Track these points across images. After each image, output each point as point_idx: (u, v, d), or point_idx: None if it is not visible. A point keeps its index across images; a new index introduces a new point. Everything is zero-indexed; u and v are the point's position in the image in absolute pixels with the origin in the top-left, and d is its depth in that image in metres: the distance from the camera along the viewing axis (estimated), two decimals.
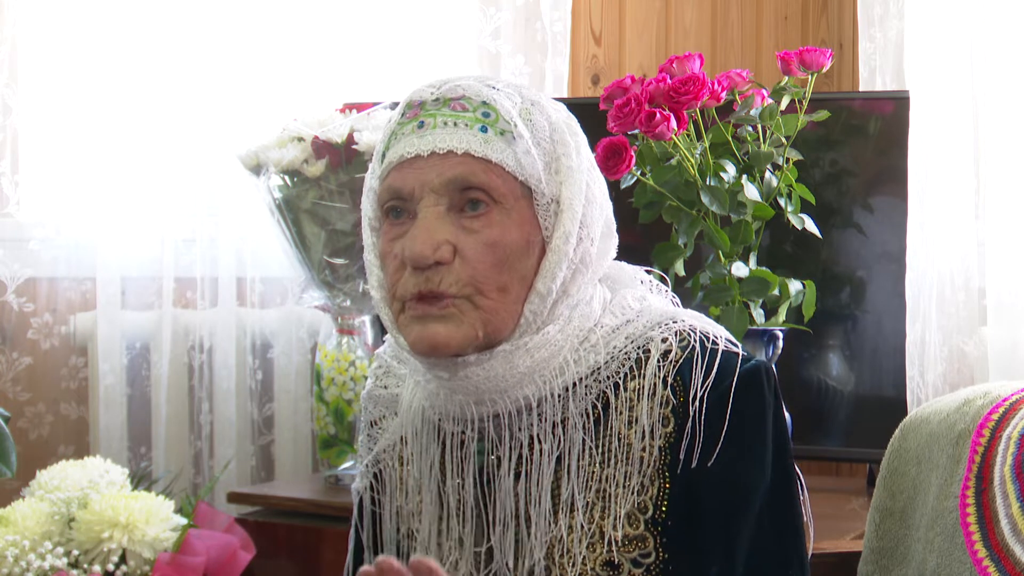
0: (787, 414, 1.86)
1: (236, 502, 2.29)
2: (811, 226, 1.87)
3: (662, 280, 1.38)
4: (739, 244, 1.80)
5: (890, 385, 2.21)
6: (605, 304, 1.29)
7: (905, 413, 1.93)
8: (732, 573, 1.22)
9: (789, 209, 1.85)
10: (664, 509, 1.23)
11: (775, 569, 1.25)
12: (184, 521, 2.04)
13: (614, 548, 1.23)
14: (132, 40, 2.47)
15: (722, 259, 1.80)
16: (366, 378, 2.22)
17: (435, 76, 1.28)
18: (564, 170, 1.24)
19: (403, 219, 1.23)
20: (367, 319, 2.26)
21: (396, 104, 1.29)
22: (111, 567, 1.94)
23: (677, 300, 1.37)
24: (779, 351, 1.82)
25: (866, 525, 1.50)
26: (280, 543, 2.18)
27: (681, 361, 1.24)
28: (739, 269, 1.80)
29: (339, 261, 2.18)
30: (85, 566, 1.94)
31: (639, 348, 1.26)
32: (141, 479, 2.24)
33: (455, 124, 1.22)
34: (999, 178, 2.15)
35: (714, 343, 1.25)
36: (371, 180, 1.29)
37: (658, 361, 1.25)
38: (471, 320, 1.21)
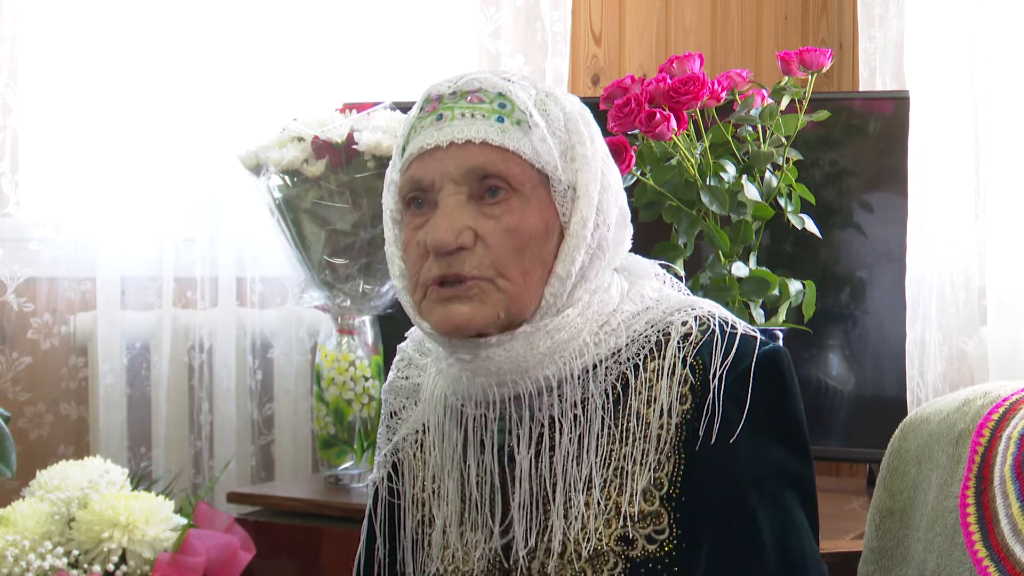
0: None
1: (236, 502, 2.29)
2: (811, 226, 1.87)
3: (676, 276, 1.40)
4: (739, 244, 1.80)
5: (890, 385, 2.21)
6: (623, 293, 1.32)
7: (905, 413, 1.93)
8: (746, 552, 1.23)
9: (789, 209, 1.85)
10: (679, 486, 1.25)
11: (787, 549, 1.25)
12: (184, 521, 2.04)
13: (629, 524, 1.25)
14: (132, 40, 2.47)
15: (722, 259, 1.80)
16: (366, 378, 2.24)
17: (443, 69, 1.31)
18: (579, 158, 1.27)
19: (425, 209, 1.26)
20: (367, 319, 2.26)
21: (396, 104, 1.31)
22: (111, 567, 1.94)
23: (689, 294, 1.39)
24: None
25: (866, 525, 1.50)
26: (280, 543, 2.18)
27: (701, 343, 1.27)
28: (739, 269, 1.80)
29: (339, 261, 2.18)
30: (85, 566, 1.94)
31: (659, 332, 1.29)
32: (141, 479, 2.24)
33: (472, 115, 1.25)
34: (999, 178, 2.15)
35: (733, 327, 1.28)
36: (391, 174, 1.32)
37: (678, 343, 1.27)
38: (493, 301, 1.24)
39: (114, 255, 2.45)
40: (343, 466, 2.26)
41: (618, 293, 1.32)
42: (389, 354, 2.06)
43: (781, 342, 1.82)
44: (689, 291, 1.40)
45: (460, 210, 1.24)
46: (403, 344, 1.47)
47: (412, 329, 1.45)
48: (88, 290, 2.47)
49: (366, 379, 2.24)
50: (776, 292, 1.81)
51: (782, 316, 1.83)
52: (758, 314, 1.81)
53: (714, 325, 1.27)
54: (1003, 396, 1.39)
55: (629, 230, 1.35)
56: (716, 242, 1.78)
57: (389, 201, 1.32)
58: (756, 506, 1.24)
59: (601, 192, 1.28)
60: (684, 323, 1.28)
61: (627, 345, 1.28)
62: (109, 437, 2.43)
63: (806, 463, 1.28)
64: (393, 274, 1.32)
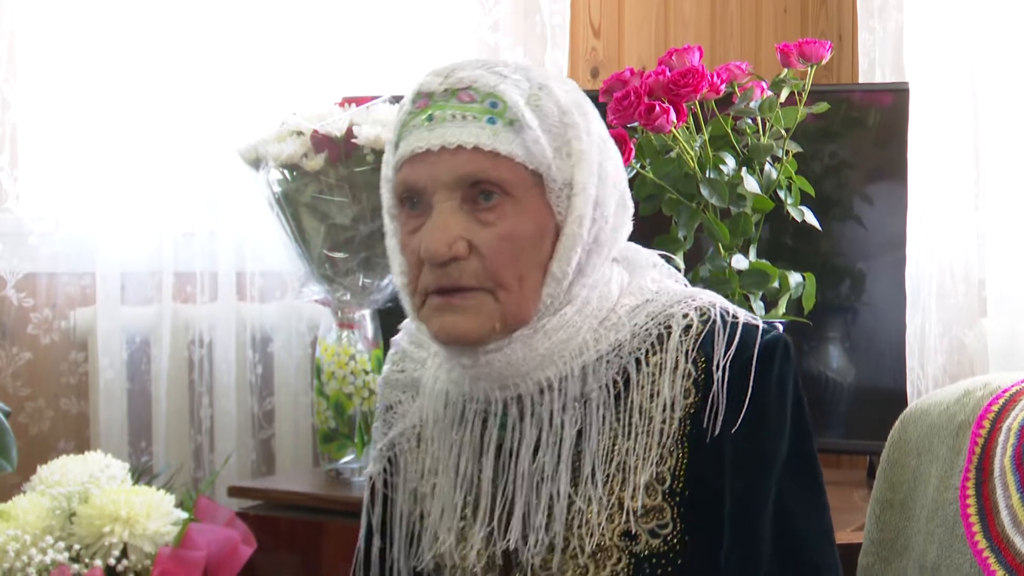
0: None
1: (237, 496, 2.29)
2: (811, 218, 1.87)
3: (675, 267, 1.40)
4: (739, 236, 1.80)
5: (890, 377, 2.21)
6: (623, 287, 1.31)
7: (905, 405, 1.92)
8: (754, 544, 1.23)
9: (789, 201, 1.85)
10: (682, 480, 1.25)
11: (799, 538, 1.25)
12: (185, 515, 2.04)
13: (632, 519, 1.24)
14: (131, 34, 2.46)
15: (722, 252, 1.80)
16: (366, 372, 2.23)
17: (442, 62, 1.29)
18: (575, 153, 1.25)
19: (420, 209, 1.25)
20: (367, 313, 2.26)
21: (396, 98, 1.30)
22: (112, 561, 1.94)
23: (688, 285, 1.38)
24: None
25: (866, 517, 1.50)
26: (281, 537, 2.18)
27: (703, 335, 1.26)
28: (739, 262, 1.80)
29: (339, 255, 2.17)
30: (86, 560, 1.94)
31: (660, 325, 1.28)
32: (142, 473, 2.24)
33: (463, 117, 1.23)
34: (999, 169, 2.15)
35: (734, 317, 1.27)
36: (386, 169, 1.31)
37: (680, 336, 1.26)
38: (489, 312, 1.23)
39: (114, 250, 2.45)
40: (344, 460, 2.26)
41: (618, 287, 1.30)
42: (389, 348, 2.06)
43: None
44: (688, 282, 1.39)
45: (452, 219, 1.22)
46: (397, 337, 1.46)
47: (405, 321, 1.44)
48: (88, 285, 2.47)
49: (366, 373, 2.24)
50: (776, 284, 1.81)
51: (782, 308, 1.83)
52: (758, 307, 1.81)
53: (715, 316, 1.27)
54: (1003, 387, 1.39)
55: (629, 212, 1.33)
56: (716, 235, 1.78)
57: (385, 196, 1.31)
58: (760, 497, 1.24)
59: (599, 185, 1.26)
60: (685, 315, 1.28)
61: (628, 339, 1.27)
62: (109, 432, 2.43)
63: (810, 450, 1.28)
64: (394, 269, 1.31)
